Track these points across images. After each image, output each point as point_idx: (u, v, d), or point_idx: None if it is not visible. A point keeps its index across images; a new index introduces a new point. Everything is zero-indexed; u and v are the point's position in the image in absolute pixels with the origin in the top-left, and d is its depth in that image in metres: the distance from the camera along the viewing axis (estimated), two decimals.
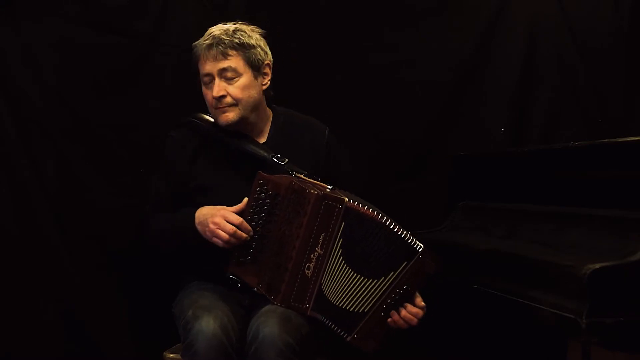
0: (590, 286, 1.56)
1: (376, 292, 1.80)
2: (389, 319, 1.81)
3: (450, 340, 2.57)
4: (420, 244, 1.77)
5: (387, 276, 1.78)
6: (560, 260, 1.74)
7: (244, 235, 1.82)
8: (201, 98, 2.12)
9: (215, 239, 1.82)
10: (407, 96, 2.78)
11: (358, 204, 1.82)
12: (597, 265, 1.57)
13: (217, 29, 1.97)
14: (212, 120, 2.05)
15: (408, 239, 1.77)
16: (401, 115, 2.78)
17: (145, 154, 2.25)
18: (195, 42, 1.99)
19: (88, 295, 2.13)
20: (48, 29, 2.10)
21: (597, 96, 2.77)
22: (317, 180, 1.90)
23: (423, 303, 1.83)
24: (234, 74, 1.95)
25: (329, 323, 1.83)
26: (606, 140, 1.89)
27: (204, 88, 2.00)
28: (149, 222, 2.00)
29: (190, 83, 2.25)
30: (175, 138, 2.05)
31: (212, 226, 1.81)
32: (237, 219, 1.82)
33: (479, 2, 2.83)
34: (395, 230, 1.78)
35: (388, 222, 1.79)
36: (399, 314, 1.80)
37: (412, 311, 1.81)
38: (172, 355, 1.96)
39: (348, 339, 1.82)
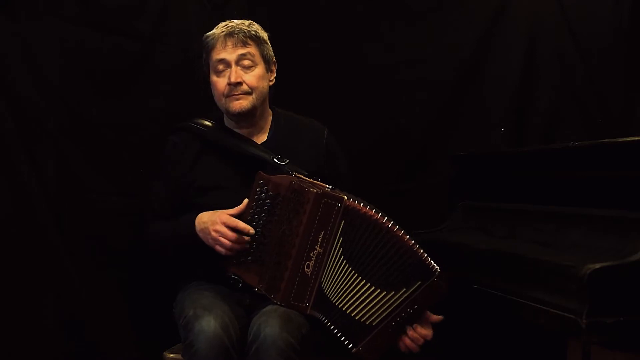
0: (590, 286, 1.56)
1: (386, 306, 1.79)
2: (396, 338, 1.81)
3: (450, 339, 2.57)
4: (436, 266, 1.77)
5: (399, 292, 1.78)
6: (560, 260, 1.73)
7: (247, 238, 1.83)
8: (202, 98, 2.13)
9: (218, 247, 1.83)
10: (407, 96, 2.78)
11: (359, 203, 1.82)
12: (597, 265, 1.57)
13: (230, 22, 2.02)
14: (210, 124, 2.06)
15: (425, 260, 1.77)
16: (401, 115, 2.78)
17: (145, 154, 2.25)
18: (208, 33, 2.02)
19: (88, 295, 2.13)
20: (48, 29, 2.09)
21: (597, 96, 2.77)
22: (317, 181, 1.90)
23: (434, 316, 1.83)
24: (251, 63, 1.99)
25: (335, 331, 1.83)
26: (606, 140, 1.89)
27: (214, 77, 2.02)
28: (149, 231, 2.01)
29: (190, 83, 2.26)
30: (174, 142, 2.06)
31: (214, 234, 1.83)
32: (236, 222, 1.82)
33: (479, 1, 2.83)
34: (411, 245, 1.78)
35: (396, 230, 1.79)
36: (406, 334, 1.81)
37: (421, 333, 1.81)
38: (172, 355, 1.96)
39: (353, 350, 1.83)
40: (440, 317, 1.85)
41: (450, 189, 2.70)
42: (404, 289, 1.77)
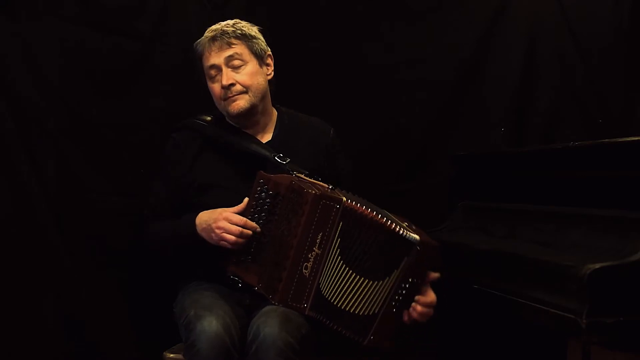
0: (590, 286, 1.56)
1: (383, 292, 1.80)
2: (405, 318, 1.82)
3: (451, 339, 2.57)
4: (415, 236, 1.78)
5: (391, 275, 1.79)
6: (560, 260, 1.74)
7: (250, 232, 1.82)
8: (202, 97, 2.13)
9: (222, 242, 1.83)
10: (407, 96, 2.78)
11: (357, 204, 1.82)
12: (597, 265, 1.57)
13: (216, 25, 2.02)
14: (213, 120, 2.06)
15: (403, 233, 1.78)
16: (401, 115, 2.78)
17: (145, 154, 2.25)
18: (197, 41, 2.03)
19: (88, 295, 2.13)
20: (48, 29, 2.10)
21: (597, 96, 2.77)
22: (318, 180, 1.90)
23: (432, 274, 1.84)
24: (241, 62, 1.98)
25: (340, 329, 1.83)
26: (606, 140, 1.89)
27: (210, 83, 2.02)
28: (149, 230, 2.01)
29: (190, 83, 2.26)
30: (176, 140, 2.06)
31: (217, 231, 1.82)
32: (241, 219, 1.82)
33: (479, 1, 2.83)
34: (390, 225, 1.78)
35: (385, 220, 1.79)
36: (413, 309, 1.81)
37: (426, 302, 1.82)
38: (172, 355, 1.96)
39: (365, 342, 1.82)
40: (437, 274, 1.85)
41: (450, 189, 2.70)
42: (395, 271, 1.79)
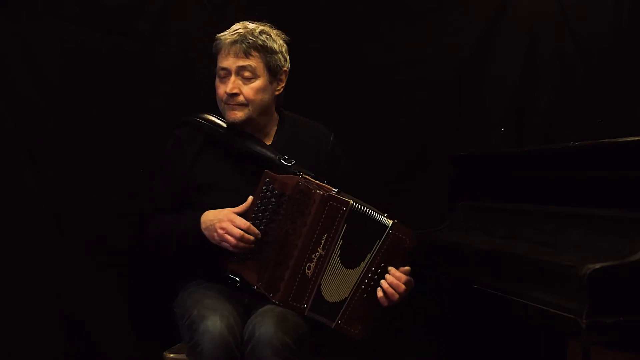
0: (590, 286, 1.56)
1: (355, 276, 1.82)
2: (380, 294, 1.81)
3: (451, 339, 2.57)
4: (388, 220, 1.81)
5: (365, 259, 1.81)
6: (560, 260, 1.74)
7: (252, 238, 1.83)
8: (202, 97, 2.13)
9: (224, 244, 1.83)
10: (407, 96, 2.78)
11: (361, 207, 1.83)
12: (597, 265, 1.57)
13: (243, 27, 1.99)
14: (217, 120, 2.05)
15: (376, 217, 1.80)
16: (401, 115, 2.78)
17: (145, 154, 2.25)
18: (219, 35, 2.00)
19: (88, 295, 2.13)
20: (48, 29, 2.10)
21: (597, 96, 2.77)
22: (324, 183, 1.90)
23: (405, 276, 1.82)
24: (252, 75, 1.96)
25: (313, 316, 1.84)
26: (606, 140, 1.89)
27: (217, 81, 2.01)
28: (149, 226, 2.01)
29: (190, 83, 2.26)
30: (178, 137, 2.05)
31: (220, 231, 1.82)
32: (245, 224, 1.82)
33: (479, 1, 2.83)
34: (365, 211, 1.80)
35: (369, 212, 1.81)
36: (382, 287, 1.81)
37: (395, 274, 1.80)
38: (172, 355, 1.96)
39: (332, 326, 1.83)
40: (407, 267, 1.84)
41: (450, 189, 2.70)
42: (368, 255, 1.82)
